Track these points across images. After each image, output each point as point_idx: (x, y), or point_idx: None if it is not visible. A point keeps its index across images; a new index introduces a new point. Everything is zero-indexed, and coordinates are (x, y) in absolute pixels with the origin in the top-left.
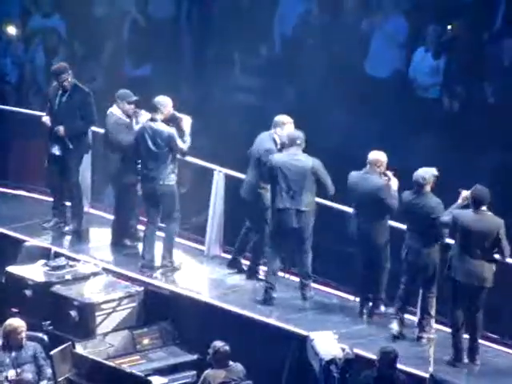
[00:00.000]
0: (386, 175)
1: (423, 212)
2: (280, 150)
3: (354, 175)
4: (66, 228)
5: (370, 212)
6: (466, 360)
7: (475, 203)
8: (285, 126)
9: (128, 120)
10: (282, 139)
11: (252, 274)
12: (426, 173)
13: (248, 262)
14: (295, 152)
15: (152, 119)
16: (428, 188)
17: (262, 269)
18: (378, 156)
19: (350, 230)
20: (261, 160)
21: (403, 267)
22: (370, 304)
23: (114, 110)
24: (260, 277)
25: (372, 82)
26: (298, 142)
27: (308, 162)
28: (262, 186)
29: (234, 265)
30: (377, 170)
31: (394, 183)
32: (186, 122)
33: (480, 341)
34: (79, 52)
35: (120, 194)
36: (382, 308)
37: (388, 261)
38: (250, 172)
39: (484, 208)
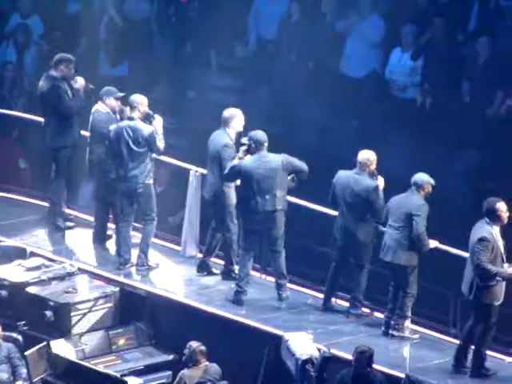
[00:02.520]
0: (375, 175)
1: (409, 211)
2: (237, 145)
3: (343, 175)
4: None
5: (357, 212)
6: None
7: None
8: (236, 119)
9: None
10: (236, 130)
11: (227, 274)
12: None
13: (222, 262)
14: (264, 154)
15: (129, 118)
16: (421, 192)
17: (237, 268)
18: (368, 155)
19: (334, 228)
20: (220, 156)
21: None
22: (333, 299)
23: (101, 108)
24: (235, 276)
25: (348, 82)
26: (266, 144)
27: (277, 160)
28: (226, 184)
29: (202, 268)
30: (367, 170)
31: (381, 183)
32: (158, 121)
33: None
34: (52, 51)
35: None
36: (360, 310)
37: (368, 262)
38: (210, 171)
39: (488, 219)
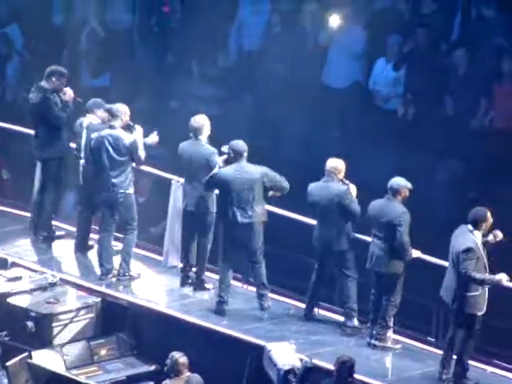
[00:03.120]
0: (344, 182)
1: (389, 219)
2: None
3: (313, 185)
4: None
5: (332, 220)
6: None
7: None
8: (206, 126)
9: None
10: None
11: (199, 284)
12: (400, 182)
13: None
14: (242, 164)
15: (111, 126)
16: (398, 197)
17: (208, 276)
18: (336, 163)
19: (313, 237)
20: (211, 163)
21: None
22: (315, 309)
23: (93, 120)
24: (207, 286)
25: (330, 93)
26: (245, 154)
27: (256, 171)
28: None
29: (185, 281)
30: (335, 178)
31: (353, 189)
32: (139, 132)
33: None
34: (34, 61)
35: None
36: (356, 321)
37: (354, 270)
38: (196, 182)
39: (475, 230)
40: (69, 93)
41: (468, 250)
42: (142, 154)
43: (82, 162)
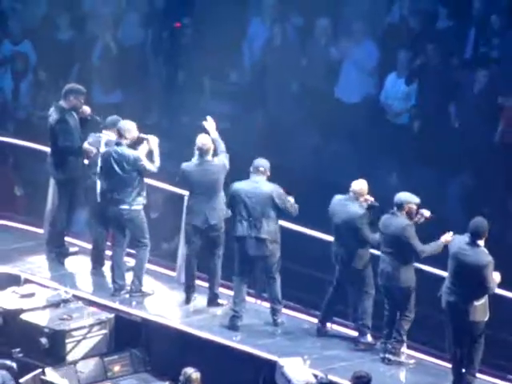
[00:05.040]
0: (366, 200)
1: (394, 233)
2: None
3: (336, 200)
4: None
5: (348, 238)
6: None
7: (472, 235)
8: (212, 148)
9: None
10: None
11: (212, 299)
12: (408, 197)
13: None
14: (256, 179)
15: (117, 143)
16: (403, 212)
17: (221, 292)
18: (360, 186)
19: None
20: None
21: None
22: (328, 324)
23: (111, 137)
24: (220, 301)
25: (342, 108)
26: (261, 169)
27: (268, 189)
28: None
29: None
30: (357, 199)
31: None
32: (153, 142)
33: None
34: (47, 78)
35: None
36: (369, 338)
37: (371, 287)
38: (207, 198)
39: (480, 242)
40: (86, 110)
41: (490, 263)
42: (151, 166)
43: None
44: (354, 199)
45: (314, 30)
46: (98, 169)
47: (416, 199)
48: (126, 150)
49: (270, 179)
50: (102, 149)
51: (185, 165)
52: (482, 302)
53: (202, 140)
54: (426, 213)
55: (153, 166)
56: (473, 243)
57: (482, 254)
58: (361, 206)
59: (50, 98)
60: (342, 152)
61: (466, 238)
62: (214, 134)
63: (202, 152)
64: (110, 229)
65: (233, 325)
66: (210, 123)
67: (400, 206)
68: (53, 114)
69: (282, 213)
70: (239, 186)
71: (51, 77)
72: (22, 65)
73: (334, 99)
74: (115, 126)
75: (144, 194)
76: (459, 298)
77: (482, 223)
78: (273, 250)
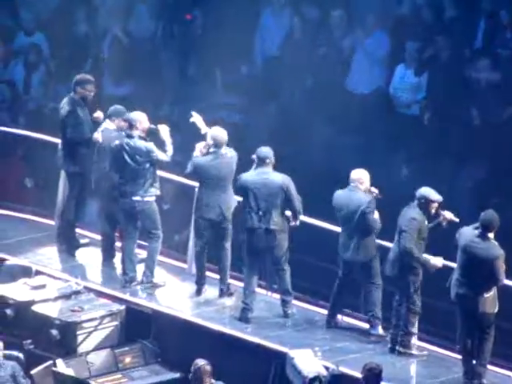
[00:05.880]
0: (371, 191)
1: (398, 225)
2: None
3: (338, 193)
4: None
5: (355, 229)
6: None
7: (483, 228)
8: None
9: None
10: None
11: (223, 292)
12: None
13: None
14: (264, 170)
15: (128, 135)
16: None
17: (232, 283)
18: (359, 175)
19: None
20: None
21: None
22: (339, 316)
23: (110, 126)
24: (231, 292)
25: (353, 99)
26: (268, 161)
27: (278, 179)
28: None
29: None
30: (359, 188)
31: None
32: (164, 131)
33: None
34: (59, 69)
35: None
36: (380, 330)
37: (379, 278)
38: (220, 191)
39: (490, 235)
40: (98, 115)
41: (502, 255)
42: (163, 155)
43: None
44: (357, 188)
45: (328, 21)
46: (110, 162)
47: (437, 197)
48: (138, 142)
49: (282, 171)
50: (98, 136)
51: (198, 159)
52: (491, 294)
53: (216, 132)
54: (448, 214)
55: (165, 156)
56: (483, 236)
57: (493, 246)
58: (365, 194)
59: (62, 90)
60: (353, 143)
61: (475, 230)
62: (205, 129)
63: (217, 144)
64: (120, 220)
65: (244, 317)
66: (196, 118)
67: (419, 200)
68: (64, 106)
69: (289, 203)
70: (248, 177)
71: (63, 69)
72: (34, 56)
73: (346, 91)
74: (117, 116)
75: (157, 185)
76: (469, 289)
77: (493, 216)
78: (280, 241)
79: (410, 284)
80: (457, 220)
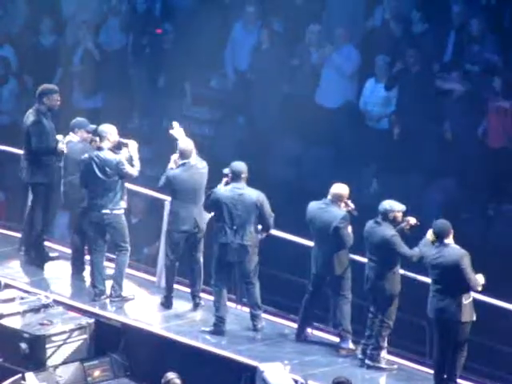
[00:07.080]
0: (347, 204)
1: (379, 243)
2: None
3: (312, 205)
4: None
5: (328, 243)
6: None
7: (439, 238)
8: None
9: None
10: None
11: (199, 305)
12: (392, 205)
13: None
14: (239, 186)
15: (99, 148)
16: (387, 221)
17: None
18: (341, 191)
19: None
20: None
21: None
22: (309, 329)
23: (74, 138)
24: (201, 302)
25: (323, 113)
26: (243, 175)
27: (253, 196)
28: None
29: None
30: (336, 204)
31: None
32: (133, 146)
33: None
34: (29, 82)
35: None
36: (350, 344)
37: (349, 292)
38: (192, 203)
39: (447, 241)
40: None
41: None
42: (132, 170)
43: (62, 181)
44: (333, 203)
45: (296, 34)
46: (80, 175)
47: (400, 207)
48: (107, 155)
49: (251, 185)
50: (63, 147)
51: (171, 172)
52: (469, 301)
53: (180, 143)
54: (412, 220)
55: (134, 170)
56: (443, 244)
57: (455, 250)
58: (340, 209)
59: (34, 103)
60: (322, 158)
61: (432, 245)
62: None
63: (183, 154)
64: (89, 233)
65: (218, 330)
66: (177, 130)
67: (384, 215)
68: (29, 116)
69: (262, 220)
70: (222, 193)
71: (34, 82)
72: (2, 69)
73: (316, 104)
74: (79, 128)
75: (125, 198)
76: (446, 300)
77: (442, 223)
78: (252, 255)
79: (390, 299)
80: (418, 223)
